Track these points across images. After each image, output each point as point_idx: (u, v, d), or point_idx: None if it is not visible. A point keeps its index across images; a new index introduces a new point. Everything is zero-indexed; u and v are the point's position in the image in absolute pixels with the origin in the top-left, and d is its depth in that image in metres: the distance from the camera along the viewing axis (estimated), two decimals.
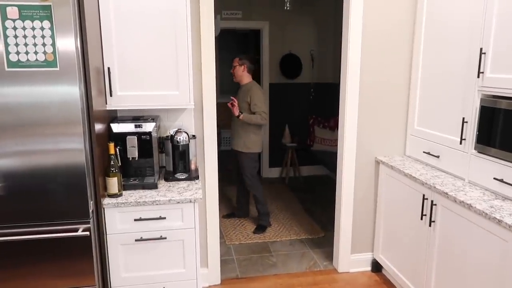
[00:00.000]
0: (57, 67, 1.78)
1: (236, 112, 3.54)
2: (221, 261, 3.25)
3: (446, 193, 2.18)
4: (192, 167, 2.53)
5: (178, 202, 2.14)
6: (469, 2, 2.27)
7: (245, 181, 3.80)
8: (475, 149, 2.26)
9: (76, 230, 1.93)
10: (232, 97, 3.55)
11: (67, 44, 1.78)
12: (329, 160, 5.06)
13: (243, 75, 3.69)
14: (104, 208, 2.08)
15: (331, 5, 5.66)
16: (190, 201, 2.15)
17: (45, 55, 1.75)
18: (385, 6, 2.80)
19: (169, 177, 2.44)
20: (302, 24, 5.73)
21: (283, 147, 5.57)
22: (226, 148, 7.08)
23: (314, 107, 5.90)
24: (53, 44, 1.75)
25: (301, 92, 5.81)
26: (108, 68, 2.20)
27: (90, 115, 1.93)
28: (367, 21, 2.80)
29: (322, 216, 4.26)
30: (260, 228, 3.85)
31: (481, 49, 2.16)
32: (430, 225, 2.36)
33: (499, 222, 1.82)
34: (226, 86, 7.60)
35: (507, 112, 2.02)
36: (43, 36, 1.74)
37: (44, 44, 1.74)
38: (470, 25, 2.26)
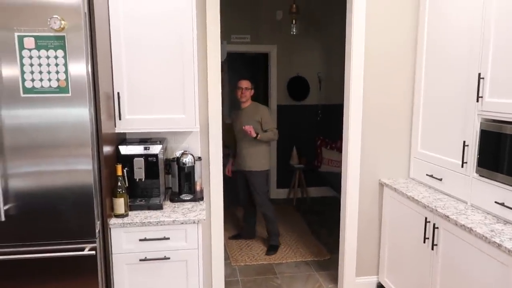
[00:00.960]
0: (69, 93, 1.87)
1: (254, 133, 3.62)
2: (226, 282, 3.26)
3: (448, 216, 2.20)
4: (197, 188, 2.59)
5: (182, 223, 2.19)
6: (467, 29, 2.33)
7: (255, 200, 3.85)
8: (476, 172, 2.28)
9: (82, 249, 1.98)
10: (244, 127, 3.61)
11: (79, 70, 1.87)
12: (336, 181, 5.06)
13: (250, 97, 3.80)
14: (110, 228, 2.14)
15: (337, 28, 5.77)
16: (194, 222, 2.20)
17: (58, 82, 1.85)
18: (387, 32, 2.87)
19: (175, 198, 2.50)
20: (309, 47, 5.85)
21: (290, 168, 5.60)
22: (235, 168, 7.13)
23: (322, 129, 5.95)
24: (66, 72, 1.86)
25: (308, 113, 5.87)
26: (118, 93, 2.30)
27: (99, 138, 2.01)
28: (369, 47, 2.87)
29: (328, 238, 4.25)
30: (273, 249, 3.87)
31: (479, 74, 2.21)
32: (432, 249, 2.36)
33: (499, 246, 1.82)
34: (236, 108, 7.71)
35: (507, 136, 2.04)
36: (56, 64, 1.84)
37: (57, 72, 1.85)
38: (469, 50, 2.31)
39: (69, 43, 1.84)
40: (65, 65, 1.85)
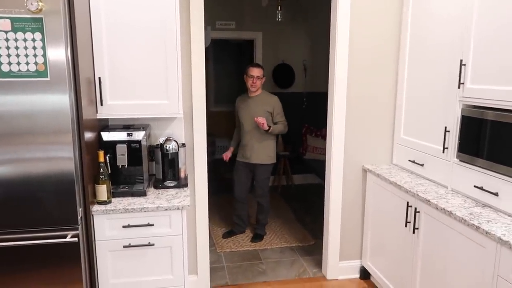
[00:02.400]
0: (48, 77, 1.83)
1: (267, 126, 3.48)
2: (211, 268, 3.28)
3: (429, 201, 2.24)
4: (182, 175, 2.58)
5: (166, 209, 2.18)
6: (450, 16, 2.35)
7: (256, 192, 3.77)
8: (457, 157, 2.32)
9: (64, 236, 1.96)
10: (257, 118, 3.44)
11: (58, 54, 1.83)
12: (321, 169, 5.09)
13: (261, 86, 3.63)
14: (93, 215, 2.11)
15: (323, 15, 5.76)
16: (178, 208, 2.19)
17: (36, 65, 1.80)
18: (371, 20, 2.87)
19: (159, 184, 2.48)
20: (294, 35, 5.83)
21: (276, 156, 5.62)
22: (221, 156, 7.11)
23: (307, 116, 5.98)
24: (44, 55, 1.81)
25: (294, 101, 5.88)
26: (99, 78, 2.26)
27: (80, 124, 1.98)
28: (354, 35, 2.87)
29: (313, 224, 4.30)
30: (258, 237, 3.86)
31: (461, 60, 2.24)
32: (414, 232, 2.41)
33: (477, 228, 1.87)
34: (222, 96, 7.67)
35: (487, 122, 2.08)
36: (34, 47, 1.79)
37: (35, 55, 1.80)
38: (451, 37, 2.33)
39: (47, 25, 1.79)
40: (43, 48, 1.80)
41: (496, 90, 2.01)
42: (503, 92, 1.97)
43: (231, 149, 3.93)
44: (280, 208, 4.79)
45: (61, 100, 1.87)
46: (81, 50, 1.99)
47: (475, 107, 2.21)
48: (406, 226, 2.48)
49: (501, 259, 1.75)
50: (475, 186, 2.17)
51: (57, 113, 1.88)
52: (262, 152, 3.63)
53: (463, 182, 2.28)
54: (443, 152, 2.42)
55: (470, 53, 2.19)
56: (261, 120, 3.44)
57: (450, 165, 2.38)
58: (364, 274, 3.16)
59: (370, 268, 3.03)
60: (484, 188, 2.11)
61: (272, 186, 5.75)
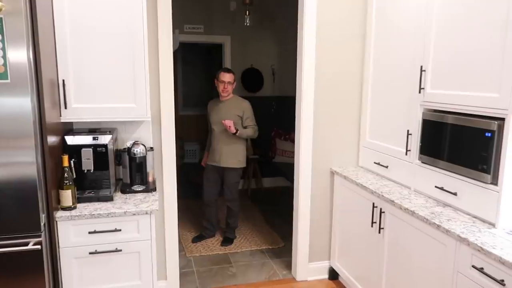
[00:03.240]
0: (8, 79, 1.76)
1: (233, 129, 3.47)
2: (181, 273, 3.24)
3: (393, 201, 2.31)
4: (150, 179, 2.54)
5: (134, 214, 2.14)
6: (411, 25, 2.45)
7: (226, 196, 3.75)
8: (419, 159, 2.42)
9: (26, 244, 1.89)
10: (224, 121, 3.44)
11: (19, 56, 1.77)
12: (290, 172, 5.15)
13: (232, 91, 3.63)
14: (56, 221, 2.05)
15: (290, 20, 5.85)
16: (146, 213, 2.16)
17: None
18: (337, 27, 2.95)
19: (126, 189, 2.44)
20: (263, 39, 5.88)
21: (246, 160, 5.63)
22: (190, 161, 7.06)
23: (276, 120, 6.03)
24: (4, 56, 1.74)
25: (263, 105, 5.92)
26: (63, 81, 2.20)
27: (43, 128, 1.92)
28: (321, 40, 2.94)
29: (283, 226, 4.33)
30: (228, 241, 3.85)
31: (421, 66, 2.34)
32: (379, 232, 2.48)
33: (438, 227, 1.95)
34: (191, 99, 7.62)
35: (446, 125, 2.18)
36: None
37: None
38: (413, 46, 2.43)
39: (7, 26, 1.73)
40: (3, 49, 1.74)
41: (453, 95, 2.11)
42: (459, 97, 2.07)
43: (207, 153, 3.91)
44: (250, 211, 4.80)
45: (22, 102, 1.81)
46: (44, 51, 1.93)
47: (435, 111, 2.31)
48: (372, 226, 2.56)
49: (460, 256, 1.83)
50: (436, 187, 2.27)
51: (18, 116, 1.81)
52: (231, 156, 3.63)
53: (425, 183, 2.37)
54: (406, 154, 2.51)
55: (430, 59, 2.29)
56: (228, 123, 3.44)
57: (412, 166, 2.48)
58: (333, 274, 3.22)
59: (338, 269, 3.09)
60: (444, 188, 2.21)
61: (241, 189, 5.75)
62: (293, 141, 5.59)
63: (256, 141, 5.74)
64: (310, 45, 2.91)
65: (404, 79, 2.53)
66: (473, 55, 1.99)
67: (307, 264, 3.21)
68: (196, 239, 3.90)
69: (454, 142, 2.12)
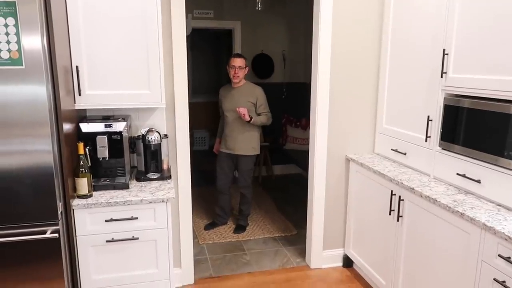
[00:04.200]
0: (22, 65, 1.73)
1: (248, 117, 3.42)
2: (195, 260, 3.24)
3: (413, 189, 2.27)
4: (164, 167, 2.51)
5: (150, 202, 2.12)
6: (433, 6, 2.36)
7: (240, 182, 3.72)
8: (439, 146, 2.36)
9: (44, 232, 1.88)
10: (239, 108, 3.39)
11: (33, 42, 1.73)
12: (301, 159, 5.13)
13: (244, 76, 3.56)
14: (73, 210, 2.03)
15: (302, 5, 5.73)
16: (163, 201, 2.14)
17: (9, 52, 1.70)
18: (353, 10, 2.87)
19: (141, 177, 2.41)
20: (273, 24, 5.78)
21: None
22: (199, 148, 7.05)
23: (286, 107, 5.97)
24: (18, 42, 1.71)
25: (273, 92, 5.82)
26: (77, 67, 2.16)
27: (58, 115, 1.89)
28: (337, 24, 2.86)
29: (295, 214, 4.31)
30: (241, 228, 3.83)
31: (444, 50, 2.26)
32: (398, 220, 2.44)
33: (462, 215, 1.91)
34: (200, 86, 7.57)
35: (468, 110, 2.11)
36: (7, 34, 1.69)
37: (8, 42, 1.69)
38: (434, 27, 2.35)
39: (21, 10, 1.69)
40: (17, 34, 1.70)
41: (478, 79, 2.04)
42: (484, 81, 2.00)
43: (218, 140, 3.87)
44: (262, 199, 4.78)
45: (38, 90, 1.78)
46: (58, 37, 1.89)
47: (457, 96, 2.24)
48: (390, 214, 2.51)
49: (485, 245, 1.79)
50: (457, 174, 2.21)
51: (34, 103, 1.78)
52: (245, 143, 3.59)
53: (445, 170, 2.32)
54: (426, 140, 2.45)
55: (453, 42, 2.21)
56: (243, 110, 3.39)
57: (432, 153, 2.42)
58: (347, 262, 3.19)
59: (353, 256, 3.06)
60: (466, 175, 2.15)
61: (252, 176, 5.73)
62: (304, 128, 5.53)
63: (267, 128, 5.69)
64: (325, 30, 2.83)
65: (424, 62, 2.46)
66: (500, 36, 1.91)
67: (321, 252, 3.19)
68: (208, 227, 3.90)
69: (478, 128, 2.05)
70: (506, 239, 1.67)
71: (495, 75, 1.95)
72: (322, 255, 3.19)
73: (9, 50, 1.70)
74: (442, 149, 2.34)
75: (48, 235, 1.88)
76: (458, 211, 1.93)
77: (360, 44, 2.93)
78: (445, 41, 2.26)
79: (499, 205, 1.98)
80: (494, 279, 1.74)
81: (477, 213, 1.88)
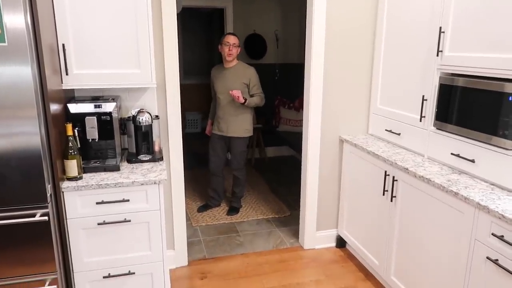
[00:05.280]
0: (5, 42, 1.66)
1: (242, 99, 3.37)
2: (188, 242, 3.23)
3: (407, 169, 2.26)
4: (156, 148, 2.47)
5: (142, 184, 2.09)
6: None
7: (232, 165, 3.69)
8: (434, 126, 2.34)
9: (34, 215, 1.84)
10: (232, 91, 3.32)
11: (15, 17, 1.65)
12: (295, 140, 5.11)
13: (237, 56, 3.49)
14: (63, 192, 1.99)
15: None
16: (155, 183, 2.10)
17: None
18: None
19: (132, 158, 2.37)
20: (266, 3, 5.67)
21: None
22: (191, 130, 6.99)
23: (279, 88, 5.91)
24: (0, 18, 1.63)
25: (266, 73, 5.76)
26: (63, 45, 2.08)
27: (45, 96, 1.83)
28: (331, 4, 2.79)
29: (288, 195, 4.31)
30: (234, 210, 3.83)
31: (440, 28, 2.22)
32: (391, 200, 2.44)
33: (456, 194, 1.90)
34: (192, 68, 7.45)
35: (464, 89, 2.09)
36: None
37: None
38: (430, 5, 2.30)
39: None
40: None
41: (475, 57, 2.01)
42: (481, 59, 1.97)
43: (210, 122, 3.83)
44: (255, 181, 4.77)
45: (22, 69, 1.71)
46: (42, 14, 1.81)
47: (453, 75, 2.21)
48: (383, 194, 2.51)
49: (479, 224, 1.79)
50: (451, 154, 2.20)
51: (19, 84, 1.72)
52: (238, 125, 3.55)
53: (439, 150, 2.31)
54: (420, 120, 2.43)
55: (450, 20, 2.17)
56: (236, 93, 3.34)
57: (427, 133, 2.40)
58: (340, 242, 3.21)
59: (346, 237, 3.08)
60: (460, 155, 2.15)
61: (246, 158, 5.71)
62: (297, 109, 5.49)
63: (259, 109, 5.65)
64: (320, 9, 2.76)
65: (419, 41, 2.42)
66: (498, 12, 1.87)
67: (314, 233, 3.19)
68: (201, 209, 3.88)
69: (474, 107, 2.03)
70: (499, 218, 1.67)
71: (492, 53, 1.92)
72: (315, 235, 3.20)
73: None
74: (437, 129, 2.32)
75: (37, 218, 1.84)
76: (452, 191, 1.92)
77: (355, 22, 2.88)
78: (442, 18, 2.21)
79: (492, 184, 1.97)
80: (487, 258, 1.75)
81: (471, 192, 1.87)
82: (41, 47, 1.78)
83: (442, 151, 2.28)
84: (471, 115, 2.05)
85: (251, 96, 3.52)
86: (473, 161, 2.06)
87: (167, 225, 2.81)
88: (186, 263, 2.97)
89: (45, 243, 1.90)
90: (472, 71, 2.03)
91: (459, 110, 2.13)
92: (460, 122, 2.14)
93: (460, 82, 2.11)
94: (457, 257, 1.94)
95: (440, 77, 2.27)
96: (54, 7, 2.04)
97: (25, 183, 1.81)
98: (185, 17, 6.89)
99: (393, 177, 2.40)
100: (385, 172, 2.47)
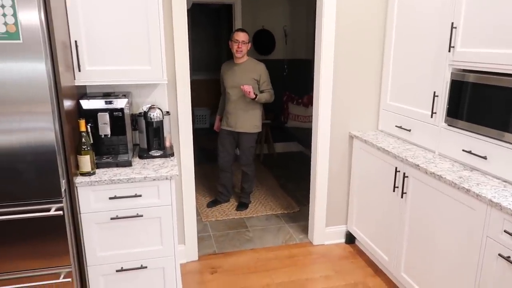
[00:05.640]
0: (20, 39, 1.68)
1: (253, 95, 3.37)
2: (198, 237, 3.26)
3: (418, 165, 2.25)
4: (167, 144, 2.49)
5: (154, 179, 2.11)
6: None
7: (241, 160, 3.70)
8: (445, 122, 2.33)
9: (48, 209, 1.87)
10: (243, 86, 3.33)
11: (30, 14, 1.67)
12: (303, 137, 5.11)
13: (247, 52, 3.50)
14: (77, 187, 2.02)
15: None
16: (166, 178, 2.12)
17: (6, 26, 1.65)
18: None
19: (144, 154, 2.39)
20: None
21: None
22: (200, 126, 7.02)
23: (288, 84, 5.90)
24: (14, 15, 1.65)
25: (274, 68, 5.75)
26: (76, 42, 2.10)
27: (58, 92, 1.85)
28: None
29: (297, 191, 4.32)
30: (243, 206, 3.84)
31: (452, 23, 2.20)
32: (402, 197, 2.43)
33: (467, 191, 1.89)
34: (200, 64, 7.47)
35: (476, 85, 2.07)
36: (2, 6, 1.63)
37: (4, 15, 1.64)
38: (442, 1, 2.29)
39: None
40: (13, 7, 1.64)
41: (488, 53, 1.99)
42: (495, 55, 1.95)
43: (219, 118, 3.84)
44: (263, 177, 4.78)
45: (37, 65, 1.73)
46: (55, 11, 1.83)
47: (464, 70, 2.20)
48: (394, 191, 2.51)
49: (491, 221, 1.78)
50: (463, 150, 2.19)
51: (33, 80, 1.74)
52: (247, 120, 3.56)
53: (451, 147, 2.29)
54: (431, 117, 2.42)
55: (462, 15, 2.15)
56: (247, 88, 3.34)
57: (438, 129, 2.39)
58: (350, 238, 3.21)
59: (356, 233, 3.08)
60: (472, 152, 2.13)
61: (254, 154, 5.72)
62: (306, 105, 5.48)
63: (268, 105, 5.65)
64: (330, 4, 2.75)
65: (431, 36, 2.40)
66: (510, 7, 1.85)
67: (324, 229, 3.20)
68: (211, 204, 3.91)
69: (486, 103, 2.02)
70: None
71: (505, 48, 1.90)
72: (324, 231, 3.21)
73: (5, 24, 1.65)
74: (448, 125, 2.31)
75: (52, 212, 1.87)
76: (464, 188, 1.91)
77: (365, 16, 2.86)
78: (454, 14, 2.19)
79: (505, 181, 1.96)
80: (499, 255, 1.74)
81: (483, 189, 1.86)
82: (54, 44, 1.80)
83: (454, 147, 2.27)
84: (483, 112, 2.04)
85: (261, 92, 3.53)
86: (485, 157, 2.05)
87: (177, 220, 2.84)
88: (197, 258, 2.99)
89: (60, 237, 1.93)
90: (485, 67, 2.02)
91: (471, 106, 2.12)
92: (472, 119, 2.12)
93: (472, 78, 2.10)
94: (468, 254, 1.93)
95: (451, 73, 2.25)
96: (67, 5, 2.06)
97: (40, 178, 1.84)
98: (194, 12, 6.89)
99: (404, 173, 2.40)
100: (396, 168, 2.47)
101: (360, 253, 3.09)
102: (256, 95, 3.41)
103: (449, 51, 2.24)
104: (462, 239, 1.97)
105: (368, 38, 2.90)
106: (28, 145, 1.80)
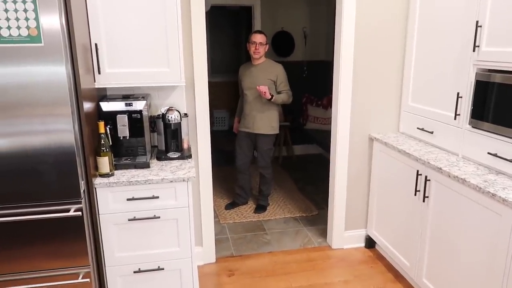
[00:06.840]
0: (41, 42, 1.71)
1: (269, 95, 3.36)
2: (216, 240, 3.26)
3: (440, 169, 2.18)
4: (185, 146, 2.50)
5: (171, 181, 2.11)
6: None
7: (259, 163, 3.69)
8: (469, 124, 2.26)
9: (68, 210, 1.90)
10: (259, 86, 3.32)
11: (51, 18, 1.70)
12: (322, 139, 5.06)
13: (264, 53, 3.50)
14: (95, 188, 2.04)
15: None
16: (184, 180, 2.12)
17: (28, 29, 1.68)
18: None
19: (161, 156, 2.40)
20: (294, 0, 5.62)
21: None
22: (219, 128, 7.04)
23: (307, 86, 5.86)
24: (36, 19, 1.68)
25: (294, 70, 5.73)
26: (96, 45, 2.13)
27: (78, 94, 1.87)
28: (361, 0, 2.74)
29: (315, 194, 4.27)
30: (261, 208, 3.83)
31: (477, 22, 2.13)
32: (423, 201, 2.37)
33: (493, 196, 1.82)
34: (219, 66, 7.50)
35: (502, 86, 2.00)
36: (25, 10, 1.66)
37: (26, 19, 1.67)
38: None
39: None
40: (35, 11, 1.67)
41: None
42: None
43: (237, 119, 3.84)
44: (282, 179, 4.75)
45: (57, 69, 1.76)
46: (76, 14, 1.86)
47: (490, 71, 2.12)
48: (415, 195, 2.44)
49: None
50: (488, 153, 2.11)
51: (54, 82, 1.77)
52: (264, 122, 3.54)
53: (475, 149, 2.22)
54: (455, 118, 2.34)
55: (487, 13, 2.08)
56: (263, 88, 3.33)
57: (462, 132, 2.32)
58: (369, 243, 3.15)
59: (376, 237, 3.01)
60: (498, 154, 2.05)
61: (272, 156, 5.69)
62: (325, 107, 5.42)
63: (287, 107, 5.62)
64: (349, 4, 2.71)
65: (454, 36, 2.33)
66: None
67: (343, 232, 3.15)
68: (229, 206, 3.90)
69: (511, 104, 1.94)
70: None
71: None
72: (343, 235, 3.15)
73: (27, 27, 1.68)
74: (472, 127, 2.23)
75: (71, 213, 1.89)
76: (489, 192, 1.84)
77: (386, 16, 2.80)
78: (478, 12, 2.12)
79: None
80: None
81: (510, 194, 1.79)
82: (75, 47, 1.82)
83: (478, 150, 2.19)
84: (509, 113, 1.96)
85: (278, 93, 3.51)
86: (511, 161, 1.97)
87: (195, 222, 2.84)
88: (214, 260, 2.99)
89: (79, 237, 1.96)
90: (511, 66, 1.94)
91: (496, 108, 2.04)
92: (497, 120, 2.04)
93: (498, 78, 2.02)
94: (493, 261, 1.86)
95: (476, 73, 2.18)
96: (88, 8, 2.10)
97: (59, 179, 1.87)
98: (213, 15, 6.93)
99: (426, 176, 2.33)
100: (417, 171, 2.40)
101: (380, 258, 3.02)
102: (272, 96, 3.38)
103: (474, 50, 2.17)
104: (487, 246, 1.89)
105: (388, 39, 2.84)
106: (48, 146, 1.83)
